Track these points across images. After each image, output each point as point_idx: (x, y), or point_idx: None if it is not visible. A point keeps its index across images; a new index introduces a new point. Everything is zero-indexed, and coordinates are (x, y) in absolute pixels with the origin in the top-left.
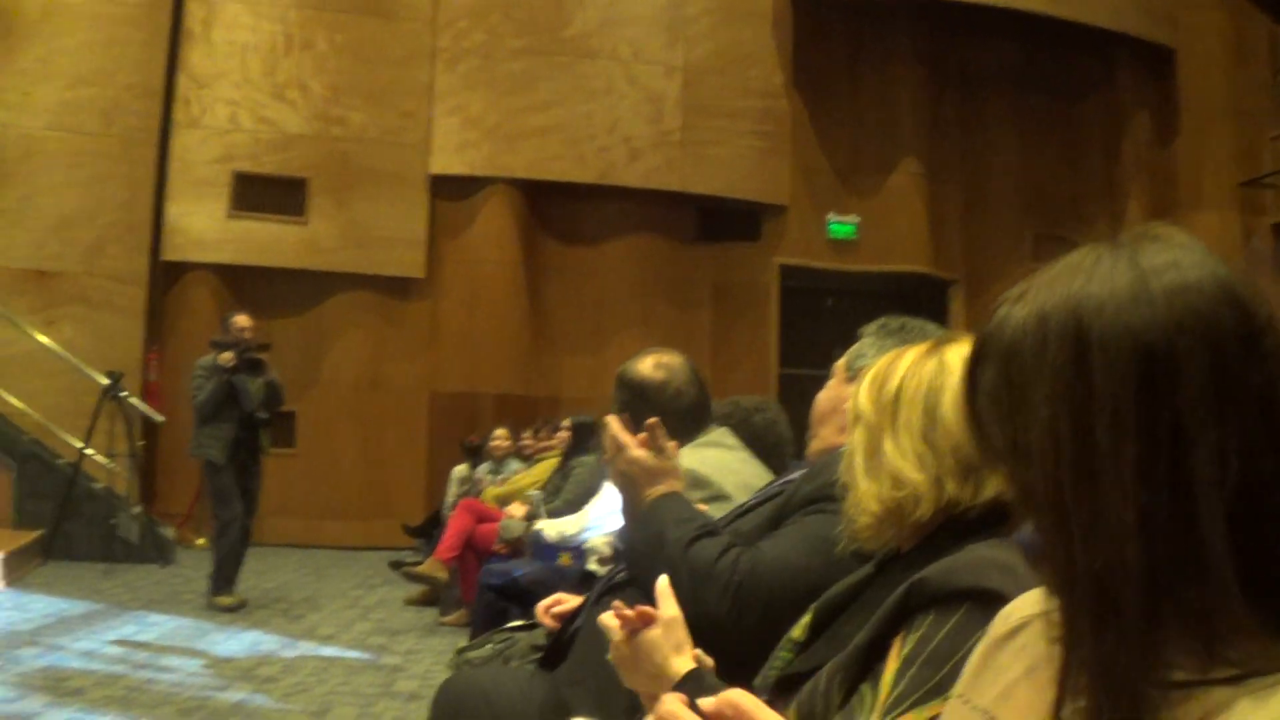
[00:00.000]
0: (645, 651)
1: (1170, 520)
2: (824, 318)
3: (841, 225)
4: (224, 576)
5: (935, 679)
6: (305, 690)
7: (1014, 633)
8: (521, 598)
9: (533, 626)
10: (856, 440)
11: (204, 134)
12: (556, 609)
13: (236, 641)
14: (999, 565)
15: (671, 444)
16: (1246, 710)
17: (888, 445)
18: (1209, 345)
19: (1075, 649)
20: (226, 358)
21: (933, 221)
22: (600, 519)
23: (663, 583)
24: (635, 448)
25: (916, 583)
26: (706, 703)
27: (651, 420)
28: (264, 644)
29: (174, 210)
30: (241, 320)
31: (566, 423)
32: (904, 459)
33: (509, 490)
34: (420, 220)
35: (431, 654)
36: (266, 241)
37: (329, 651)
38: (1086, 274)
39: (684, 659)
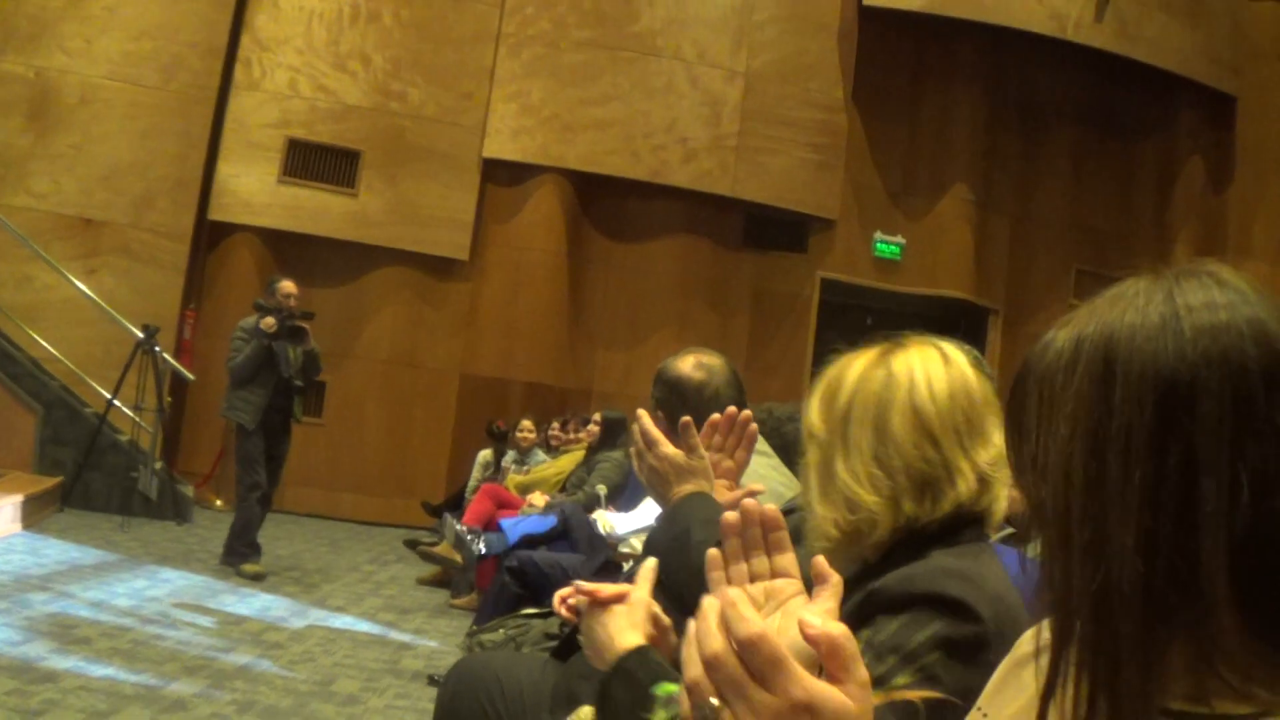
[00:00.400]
0: (602, 623)
1: (1171, 547)
2: (862, 335)
3: (888, 245)
4: (244, 543)
5: (876, 671)
6: (311, 660)
7: (1038, 653)
8: (536, 585)
9: (547, 614)
10: (810, 460)
11: (262, 97)
12: (573, 600)
13: (246, 605)
14: (956, 573)
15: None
16: None
17: (840, 467)
18: (1231, 382)
19: (1064, 667)
20: (269, 323)
21: (978, 248)
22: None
23: (648, 565)
24: (666, 444)
25: (873, 591)
26: (811, 622)
27: (685, 419)
28: (274, 610)
29: (225, 171)
30: (287, 286)
31: (597, 417)
32: (857, 482)
33: (532, 479)
34: (469, 202)
35: (439, 635)
36: (314, 210)
37: (338, 623)
38: (1126, 303)
39: (635, 635)
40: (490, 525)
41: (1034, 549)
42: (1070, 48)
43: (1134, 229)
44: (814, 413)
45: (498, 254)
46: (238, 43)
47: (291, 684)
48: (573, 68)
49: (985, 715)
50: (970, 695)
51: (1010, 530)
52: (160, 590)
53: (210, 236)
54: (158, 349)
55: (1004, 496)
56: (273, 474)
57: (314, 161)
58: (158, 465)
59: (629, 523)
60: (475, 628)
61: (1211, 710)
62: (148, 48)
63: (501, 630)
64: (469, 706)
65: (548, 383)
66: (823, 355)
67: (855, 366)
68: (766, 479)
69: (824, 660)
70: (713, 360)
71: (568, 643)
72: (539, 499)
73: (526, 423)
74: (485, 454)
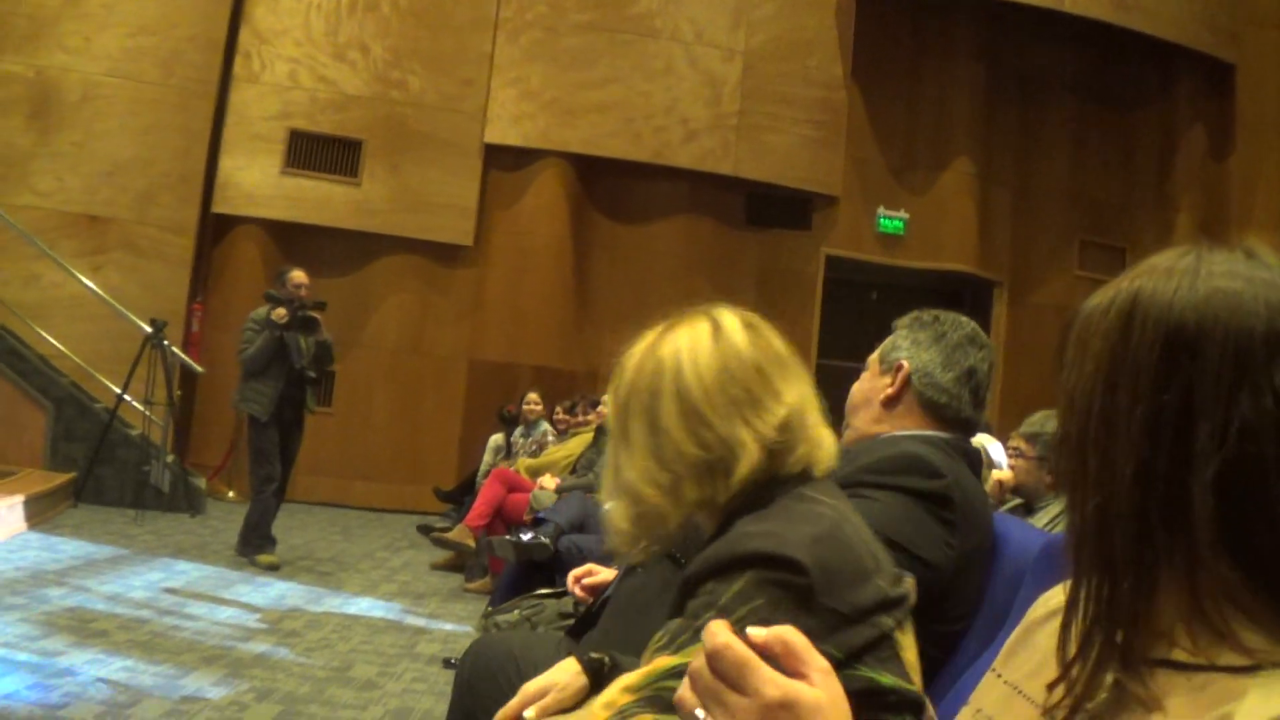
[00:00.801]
0: None
1: (1164, 480)
2: (867, 311)
3: (891, 220)
4: (259, 534)
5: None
6: (328, 646)
7: (1051, 615)
8: (549, 567)
9: (561, 594)
10: (608, 453)
11: (263, 90)
12: (588, 580)
13: (262, 594)
14: (758, 534)
15: None
16: (1256, 702)
17: (624, 461)
18: (1235, 338)
19: (1077, 595)
20: (280, 314)
21: (981, 222)
22: None
23: None
24: None
25: (683, 582)
26: (756, 633)
27: None
28: (289, 598)
29: (228, 164)
30: (298, 276)
31: (606, 399)
32: (639, 478)
33: (542, 462)
34: (472, 189)
35: (454, 619)
36: (318, 200)
37: (353, 610)
38: (1162, 265)
39: None
40: (502, 509)
41: (1043, 518)
42: (1068, 19)
43: (1136, 199)
44: (610, 405)
45: (502, 239)
46: (237, 36)
47: (309, 670)
48: (571, 51)
49: (1000, 676)
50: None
51: (1018, 501)
52: (176, 582)
53: (215, 229)
54: (166, 343)
55: (825, 440)
56: (285, 464)
57: (316, 152)
58: (169, 458)
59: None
60: (490, 609)
61: (1210, 661)
62: (147, 43)
63: (516, 611)
64: (487, 686)
65: (555, 366)
66: (829, 332)
67: (633, 356)
68: None
69: (782, 660)
70: None
71: (583, 621)
72: (550, 481)
73: (533, 395)
74: (497, 438)
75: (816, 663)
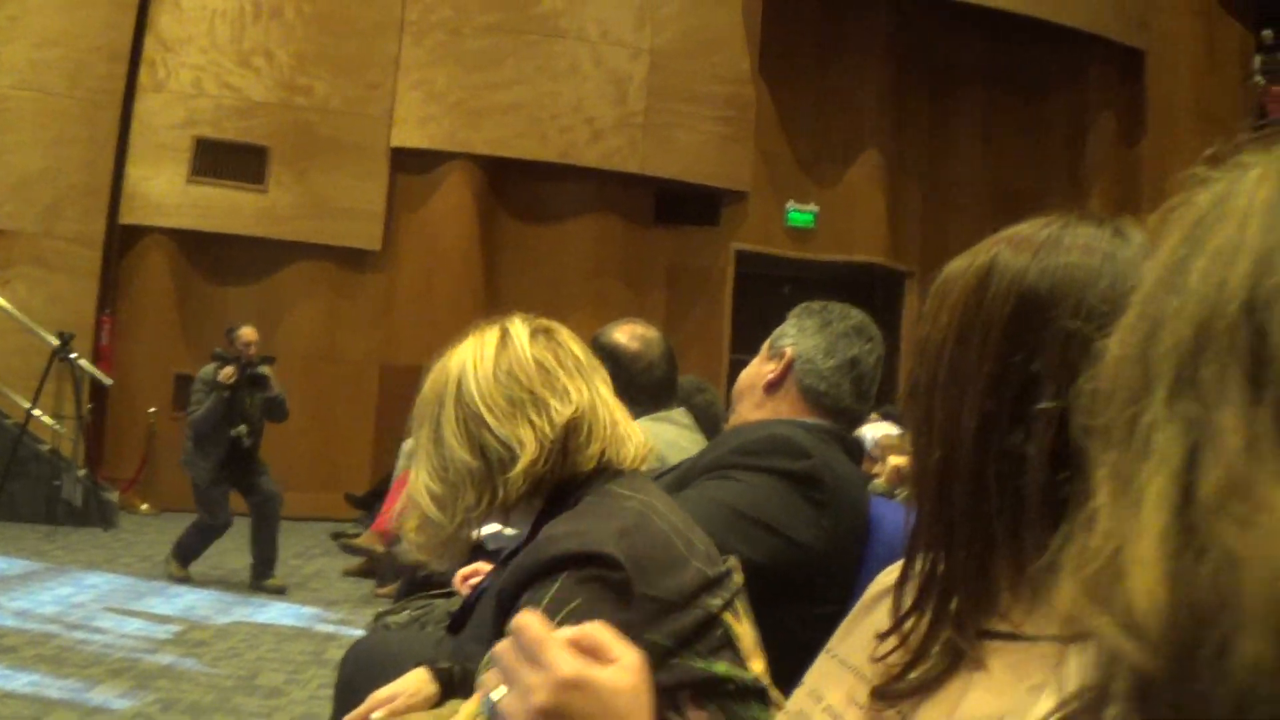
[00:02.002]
0: None
1: (1004, 437)
2: (779, 305)
3: (800, 214)
4: (190, 550)
5: None
6: (236, 655)
7: (885, 593)
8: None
9: (451, 594)
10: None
11: (168, 98)
12: (474, 579)
13: (171, 605)
14: (561, 535)
15: None
16: (1073, 670)
17: (413, 472)
18: (1082, 311)
19: (915, 547)
20: (228, 373)
21: (892, 214)
22: None
23: None
24: None
25: (499, 598)
26: (565, 632)
27: None
28: (198, 609)
29: (134, 174)
30: (247, 333)
31: None
32: (420, 490)
33: None
34: (379, 193)
35: (365, 625)
36: (225, 208)
37: (262, 618)
38: (1025, 232)
39: None
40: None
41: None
42: (976, 9)
43: (1048, 186)
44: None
45: (411, 243)
46: (141, 45)
47: (216, 680)
48: (477, 53)
49: (833, 654)
50: (625, 631)
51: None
52: (86, 595)
53: (123, 240)
54: (74, 356)
55: (632, 436)
56: (260, 496)
57: (222, 160)
58: (81, 473)
59: (486, 528)
60: (382, 610)
61: (1038, 631)
62: (53, 55)
63: (406, 611)
64: (367, 685)
65: None
66: (741, 326)
67: (433, 370)
68: (686, 450)
69: (589, 655)
70: (648, 332)
71: (460, 616)
72: None
73: None
74: (409, 443)
75: (624, 656)
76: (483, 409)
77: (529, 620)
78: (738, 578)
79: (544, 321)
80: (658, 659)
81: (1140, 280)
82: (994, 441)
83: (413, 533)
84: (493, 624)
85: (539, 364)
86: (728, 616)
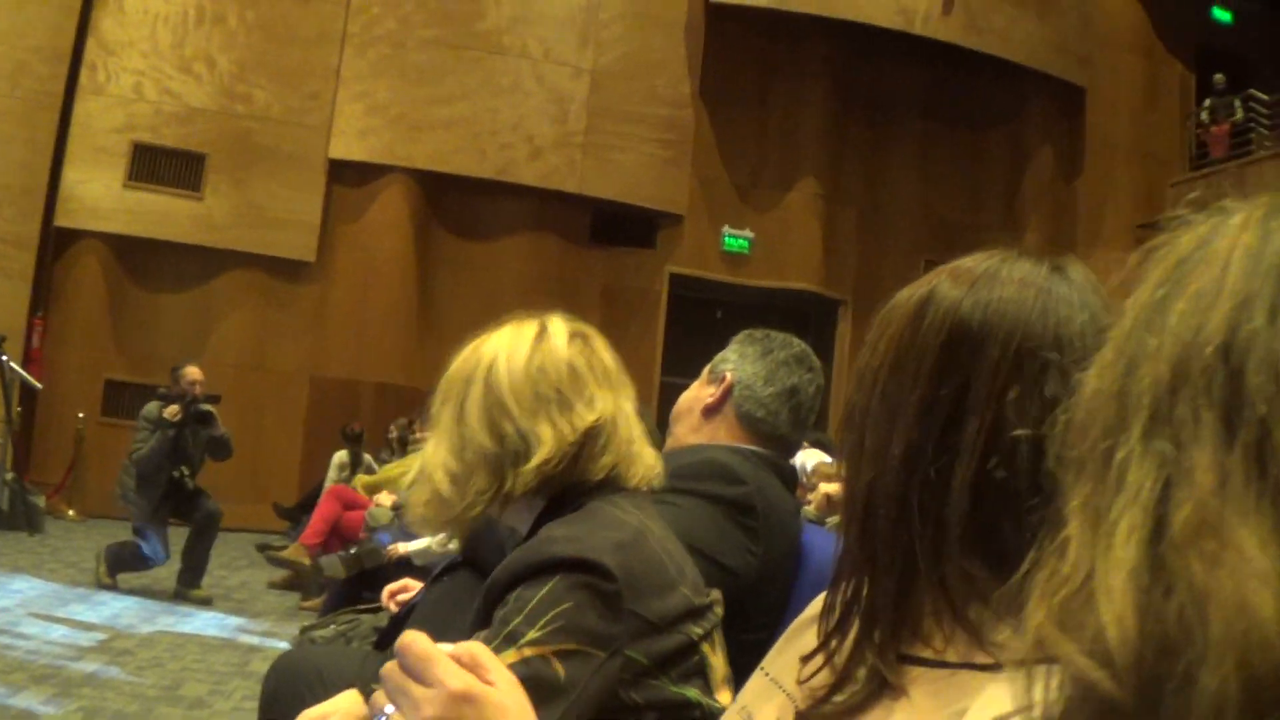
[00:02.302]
0: None
1: (930, 465)
2: (712, 329)
3: (736, 239)
4: (122, 564)
5: (500, 633)
6: (159, 665)
7: (816, 619)
8: (373, 581)
9: (378, 609)
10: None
11: (107, 102)
12: (402, 595)
13: (96, 613)
14: (560, 538)
15: None
16: (988, 700)
17: (429, 446)
18: (1014, 344)
19: (841, 565)
20: (173, 411)
21: (827, 241)
22: None
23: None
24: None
25: (488, 590)
26: (446, 647)
27: None
28: (123, 617)
29: (71, 176)
30: (192, 372)
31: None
32: (436, 464)
33: (379, 479)
34: (315, 204)
35: (289, 638)
36: (160, 214)
37: (187, 628)
38: (966, 265)
39: None
40: (339, 526)
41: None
42: (918, 41)
43: (984, 219)
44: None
45: (345, 255)
46: (83, 47)
47: (139, 689)
48: (418, 67)
49: (767, 674)
50: (609, 642)
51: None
52: (10, 601)
53: (57, 243)
54: (5, 358)
55: (645, 457)
56: (202, 516)
57: (160, 165)
58: (9, 476)
59: (414, 544)
60: (307, 625)
61: (961, 659)
62: None
63: (332, 626)
64: (291, 699)
65: (398, 383)
66: (673, 349)
67: (463, 351)
68: None
69: (470, 671)
70: None
71: (389, 631)
72: (386, 498)
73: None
74: (340, 455)
75: (502, 675)
76: (509, 398)
77: (414, 637)
78: (719, 610)
79: (582, 326)
80: (633, 676)
81: (1120, 317)
82: (919, 469)
83: (420, 505)
84: (481, 615)
85: (571, 366)
86: (705, 647)
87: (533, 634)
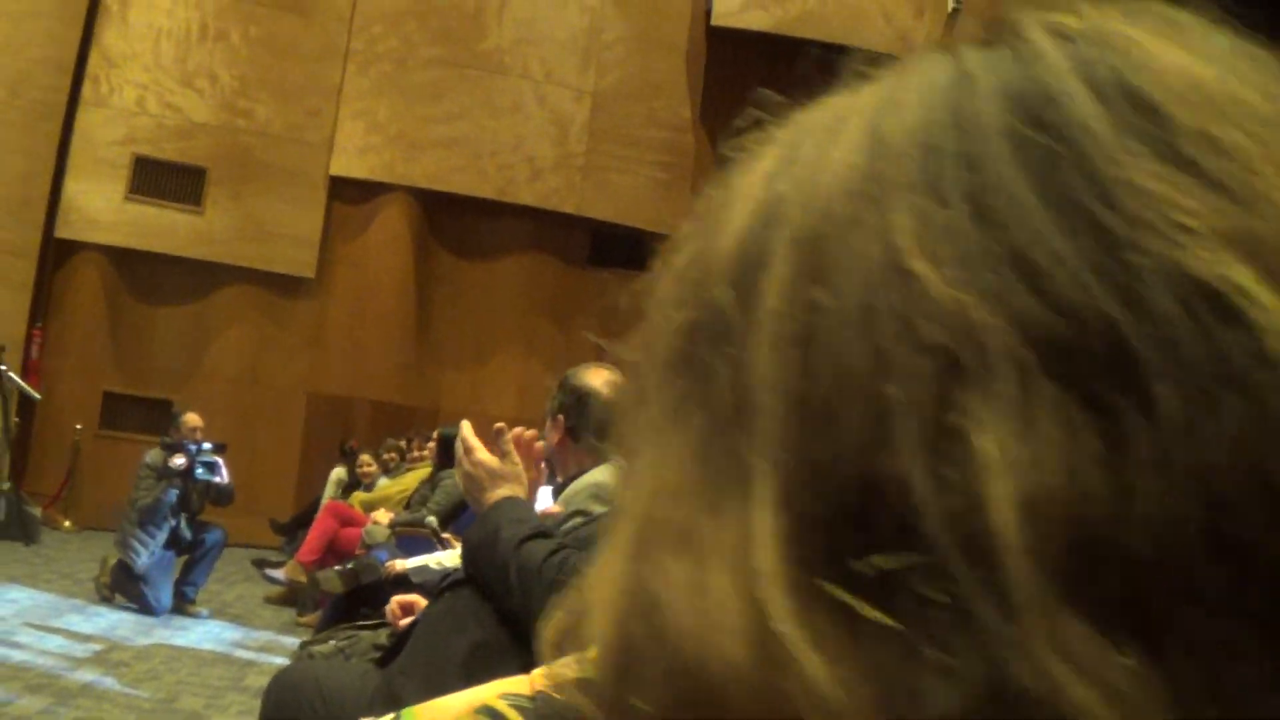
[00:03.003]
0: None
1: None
2: None
3: None
4: (124, 588)
5: None
6: (155, 678)
7: None
8: (370, 597)
9: (378, 626)
10: None
11: (109, 114)
12: (405, 621)
13: (92, 624)
14: None
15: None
16: None
17: None
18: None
19: None
20: (180, 460)
21: None
22: None
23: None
24: (481, 451)
25: None
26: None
27: (499, 425)
28: (119, 629)
29: (72, 188)
30: (192, 419)
31: (435, 434)
32: None
33: (376, 496)
34: (315, 220)
35: (285, 652)
36: (160, 227)
37: (183, 641)
38: None
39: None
40: (335, 543)
41: None
42: None
43: None
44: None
45: (344, 272)
46: (86, 59)
47: (135, 701)
48: (420, 86)
49: None
50: None
51: None
52: (5, 610)
53: (57, 254)
54: (4, 368)
55: None
56: (206, 543)
57: (161, 179)
58: (5, 486)
59: (412, 561)
60: (306, 640)
61: None
62: None
63: (331, 642)
64: (291, 712)
65: (395, 401)
66: None
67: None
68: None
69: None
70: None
71: (392, 650)
72: (383, 516)
73: (365, 457)
74: (338, 472)
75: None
76: None
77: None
78: None
79: None
80: None
81: None
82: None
83: None
84: None
85: None
86: None
87: None
